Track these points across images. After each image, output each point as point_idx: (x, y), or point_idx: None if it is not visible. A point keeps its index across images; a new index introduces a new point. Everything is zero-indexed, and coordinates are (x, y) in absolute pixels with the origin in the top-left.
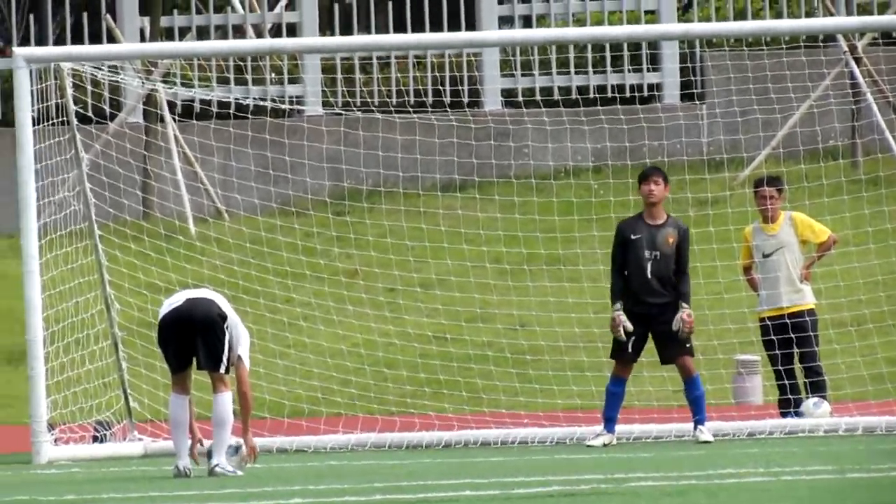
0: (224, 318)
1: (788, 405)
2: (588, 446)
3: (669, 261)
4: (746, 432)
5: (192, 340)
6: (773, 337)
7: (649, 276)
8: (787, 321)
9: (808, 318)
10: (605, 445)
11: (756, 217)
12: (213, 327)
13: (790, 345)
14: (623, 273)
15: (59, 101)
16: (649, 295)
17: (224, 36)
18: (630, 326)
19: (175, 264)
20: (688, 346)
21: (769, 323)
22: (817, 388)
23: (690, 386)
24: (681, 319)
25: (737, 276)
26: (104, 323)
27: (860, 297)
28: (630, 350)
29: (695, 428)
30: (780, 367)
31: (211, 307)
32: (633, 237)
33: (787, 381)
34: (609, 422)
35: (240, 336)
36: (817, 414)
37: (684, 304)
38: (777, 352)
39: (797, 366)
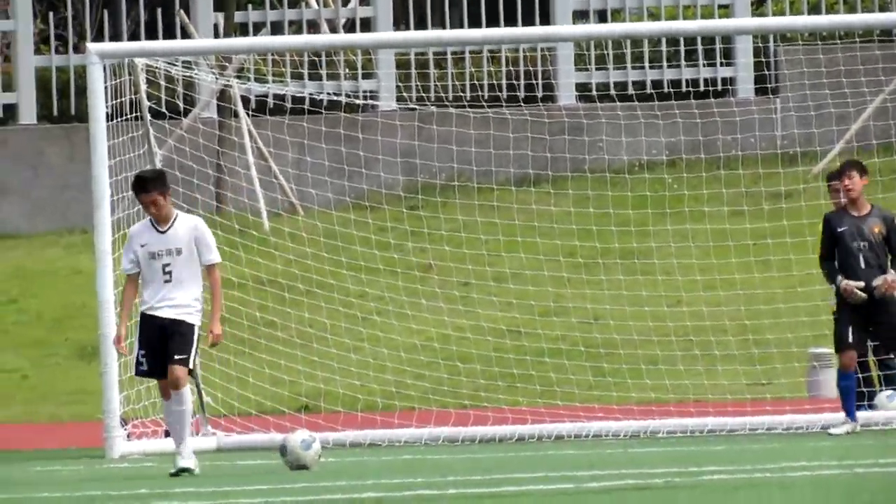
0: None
1: (862, 398)
2: (830, 434)
3: (879, 249)
4: (820, 425)
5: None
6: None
7: (862, 266)
8: (871, 312)
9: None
10: (847, 433)
11: (831, 209)
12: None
13: (875, 336)
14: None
15: (132, 96)
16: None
17: (298, 31)
18: (861, 284)
19: (249, 259)
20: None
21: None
22: (891, 381)
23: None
24: (883, 279)
25: (811, 269)
26: None
27: None
28: (851, 339)
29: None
30: (880, 359)
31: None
32: (839, 230)
33: (860, 375)
34: (849, 413)
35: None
36: (891, 407)
37: (891, 270)
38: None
39: (871, 359)
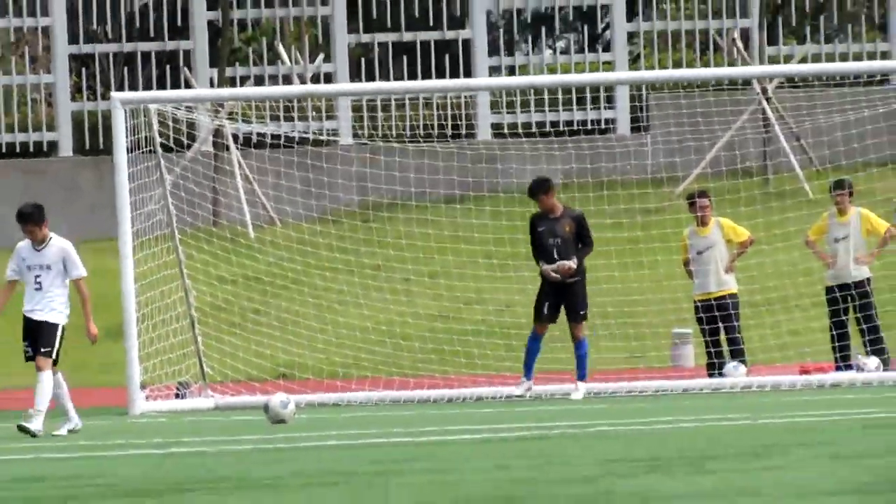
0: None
1: (714, 368)
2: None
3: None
4: (681, 389)
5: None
6: (702, 315)
7: (556, 256)
8: (714, 303)
9: (730, 301)
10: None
11: (690, 222)
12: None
13: (716, 321)
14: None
15: (147, 134)
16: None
17: (275, 83)
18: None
19: (238, 261)
20: (581, 313)
21: (700, 304)
22: (737, 355)
23: (580, 348)
24: (563, 263)
25: (674, 266)
26: (183, 306)
27: (769, 283)
28: (546, 314)
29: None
30: (707, 339)
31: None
32: (538, 229)
33: (713, 350)
34: (527, 370)
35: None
36: (736, 374)
37: (574, 257)
38: (706, 326)
39: (722, 337)
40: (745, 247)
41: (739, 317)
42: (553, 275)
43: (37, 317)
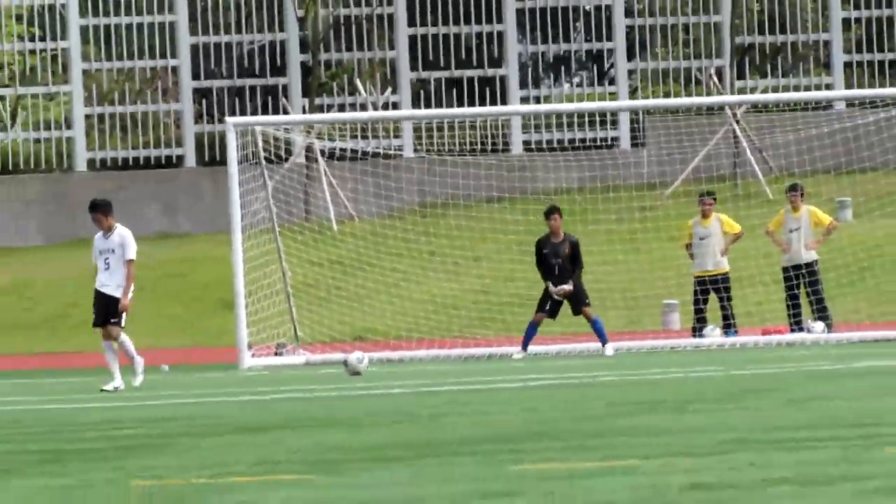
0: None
1: (696, 331)
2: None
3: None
4: (670, 347)
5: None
6: (698, 288)
7: (556, 272)
8: (708, 279)
9: (721, 277)
10: (521, 357)
11: (692, 216)
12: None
13: (708, 293)
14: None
15: (253, 150)
16: (560, 281)
17: (353, 109)
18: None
19: (324, 248)
20: (586, 301)
21: (697, 279)
22: (728, 320)
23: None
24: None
25: (665, 251)
26: (281, 284)
27: (738, 265)
28: (548, 309)
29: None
30: (700, 307)
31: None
32: (544, 251)
33: (697, 316)
34: (524, 346)
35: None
36: (711, 335)
37: (570, 281)
38: (699, 297)
39: (711, 307)
40: (737, 237)
41: (730, 290)
42: (556, 296)
43: (107, 291)
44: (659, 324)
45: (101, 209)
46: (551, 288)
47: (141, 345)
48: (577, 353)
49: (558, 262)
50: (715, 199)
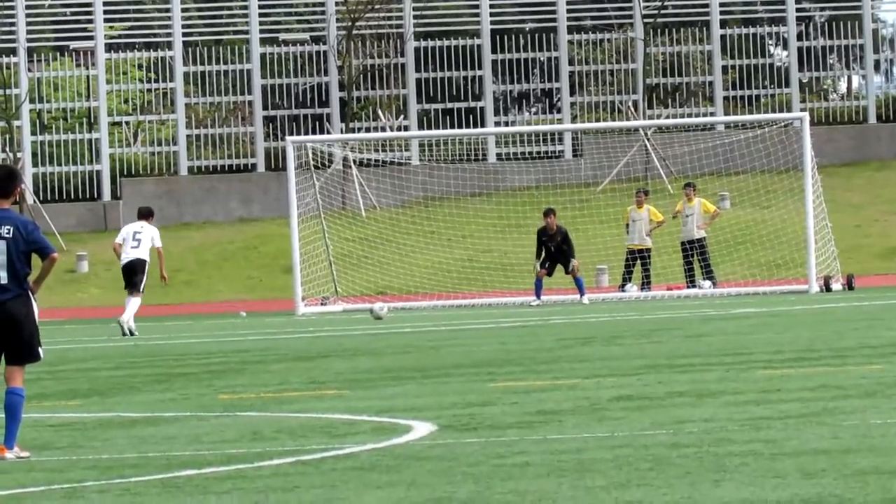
0: (145, 262)
1: (622, 287)
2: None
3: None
4: (601, 299)
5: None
6: (628, 257)
7: (553, 251)
8: (636, 251)
9: (646, 253)
10: (533, 304)
11: (630, 205)
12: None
13: (635, 261)
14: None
15: (306, 159)
16: (554, 260)
17: (377, 131)
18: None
19: (356, 228)
20: (571, 264)
21: (629, 250)
22: (648, 280)
23: (577, 281)
24: (573, 263)
25: (597, 230)
26: (325, 254)
27: (656, 240)
28: (546, 268)
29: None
30: (628, 270)
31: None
32: (543, 239)
33: (627, 277)
34: (537, 295)
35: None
36: (631, 291)
37: (573, 259)
38: (629, 263)
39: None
40: (659, 224)
41: (650, 260)
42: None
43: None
44: (594, 282)
45: (146, 215)
46: (540, 271)
47: (226, 298)
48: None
49: (552, 248)
50: (647, 193)
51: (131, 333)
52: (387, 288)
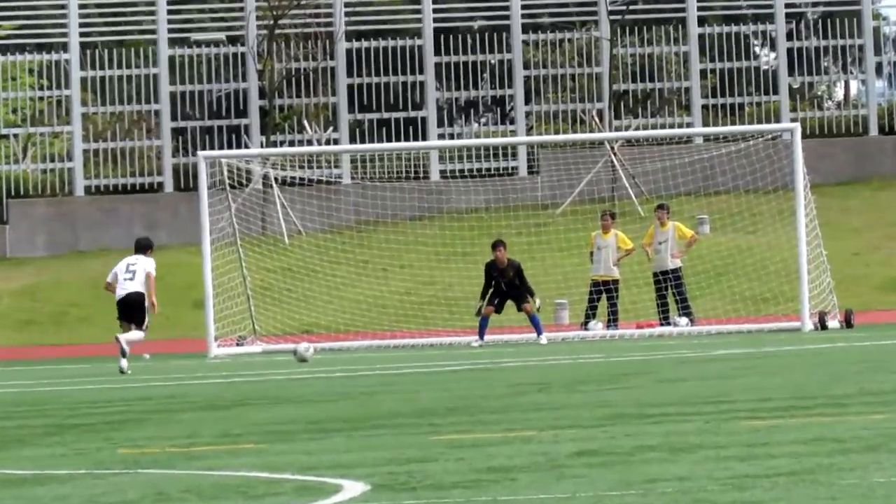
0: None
1: (585, 324)
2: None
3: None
4: (561, 339)
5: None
6: (592, 289)
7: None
8: (601, 283)
9: (612, 285)
10: (478, 345)
11: (594, 230)
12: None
13: (600, 294)
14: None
15: (220, 178)
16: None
17: (301, 144)
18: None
19: (278, 258)
20: (527, 299)
21: (593, 281)
22: (614, 316)
23: (533, 319)
24: (532, 304)
25: (558, 261)
26: (242, 287)
27: (625, 270)
28: (496, 304)
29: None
30: (592, 305)
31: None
32: (493, 274)
33: (590, 312)
34: (480, 335)
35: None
36: (595, 329)
37: (532, 298)
38: (593, 296)
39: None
40: (628, 252)
41: (617, 293)
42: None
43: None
44: (552, 319)
45: (142, 247)
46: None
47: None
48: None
49: (503, 282)
50: (614, 217)
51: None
52: (313, 326)
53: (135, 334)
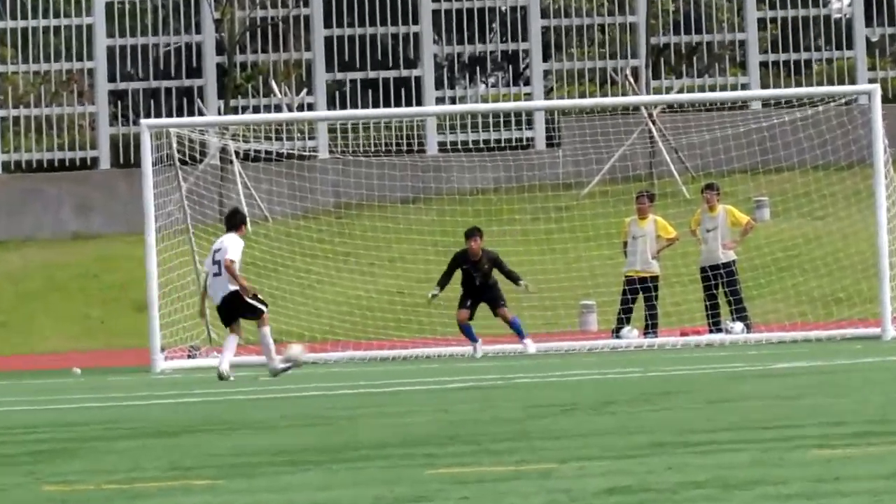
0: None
1: (617, 331)
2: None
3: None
4: (587, 349)
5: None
6: (626, 287)
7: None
8: (637, 280)
9: (651, 283)
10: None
11: (631, 215)
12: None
13: (637, 296)
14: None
15: (168, 151)
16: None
17: (268, 111)
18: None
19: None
20: (501, 303)
21: (627, 279)
22: (653, 321)
23: (512, 323)
24: (524, 286)
25: (580, 251)
26: (195, 285)
27: (666, 263)
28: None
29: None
30: (625, 307)
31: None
32: (464, 266)
33: (623, 316)
34: (473, 340)
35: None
36: (629, 336)
37: (520, 282)
38: (627, 297)
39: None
40: (672, 241)
41: (657, 293)
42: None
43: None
44: (576, 325)
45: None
46: (431, 294)
47: (52, 348)
48: (496, 354)
49: (477, 278)
50: (652, 199)
51: (280, 370)
52: (283, 333)
53: (231, 343)
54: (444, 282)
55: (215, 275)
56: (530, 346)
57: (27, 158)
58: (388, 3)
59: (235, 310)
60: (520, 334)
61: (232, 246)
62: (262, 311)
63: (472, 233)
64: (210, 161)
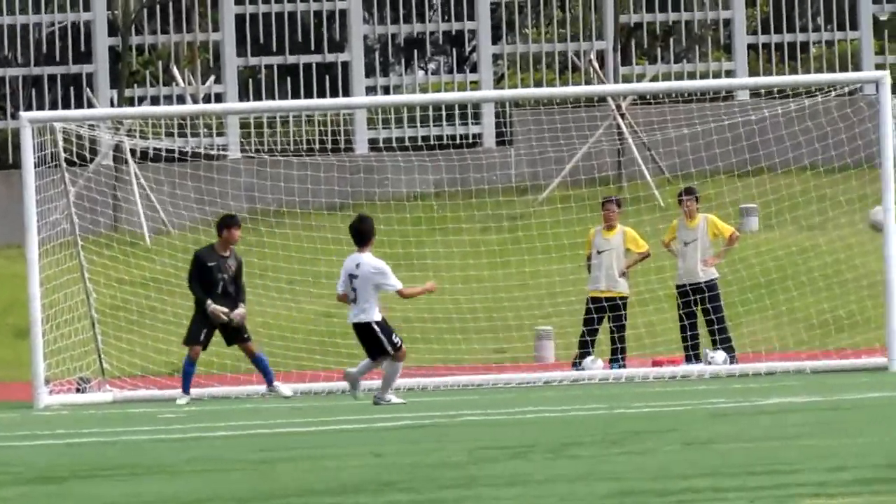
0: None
1: (577, 362)
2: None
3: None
4: (542, 381)
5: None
6: (590, 307)
7: (220, 291)
8: (604, 300)
9: (619, 303)
10: (186, 403)
11: (596, 224)
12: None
13: (602, 319)
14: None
15: (52, 150)
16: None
17: (170, 102)
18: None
19: (136, 263)
20: (245, 335)
21: (590, 299)
22: (621, 348)
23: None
24: (239, 313)
25: (538, 266)
26: (85, 307)
27: (637, 280)
28: (201, 338)
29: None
30: (593, 331)
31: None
32: (209, 264)
33: (584, 341)
34: (185, 390)
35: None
36: (593, 367)
37: (242, 304)
38: (592, 321)
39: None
40: (644, 257)
41: (624, 317)
42: (221, 317)
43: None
44: (531, 353)
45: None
46: (213, 308)
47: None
48: (435, 387)
49: (224, 278)
50: (620, 205)
51: (385, 402)
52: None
53: (391, 373)
54: (203, 296)
55: (353, 302)
56: (286, 389)
57: None
58: None
59: (370, 343)
60: (268, 377)
61: (380, 274)
62: (387, 351)
63: (233, 219)
64: (102, 161)
